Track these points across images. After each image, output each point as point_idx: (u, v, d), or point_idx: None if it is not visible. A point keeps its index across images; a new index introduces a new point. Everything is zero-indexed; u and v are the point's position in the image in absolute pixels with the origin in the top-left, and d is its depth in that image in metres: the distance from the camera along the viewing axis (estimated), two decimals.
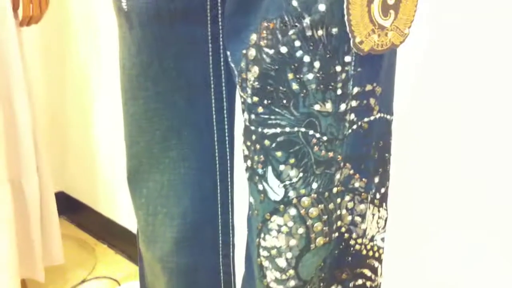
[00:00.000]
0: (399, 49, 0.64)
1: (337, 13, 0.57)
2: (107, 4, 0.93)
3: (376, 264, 0.73)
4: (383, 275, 0.75)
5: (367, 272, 0.73)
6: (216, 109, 0.80)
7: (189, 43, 0.75)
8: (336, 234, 0.68)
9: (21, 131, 1.39)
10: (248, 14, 0.62)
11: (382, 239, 0.73)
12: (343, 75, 0.61)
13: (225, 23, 0.68)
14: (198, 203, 0.85)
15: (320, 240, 0.66)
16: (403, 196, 1.01)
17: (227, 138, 0.82)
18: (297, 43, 0.59)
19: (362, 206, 0.68)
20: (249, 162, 0.67)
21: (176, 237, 0.86)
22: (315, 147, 0.63)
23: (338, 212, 0.67)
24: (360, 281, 0.72)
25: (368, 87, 0.64)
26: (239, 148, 0.69)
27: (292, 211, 0.65)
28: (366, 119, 0.65)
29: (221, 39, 0.74)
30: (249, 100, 0.64)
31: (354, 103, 0.63)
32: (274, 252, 0.67)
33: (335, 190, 0.66)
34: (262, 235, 0.67)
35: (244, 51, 0.63)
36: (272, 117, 0.63)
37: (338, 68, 0.60)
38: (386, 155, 0.70)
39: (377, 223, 0.71)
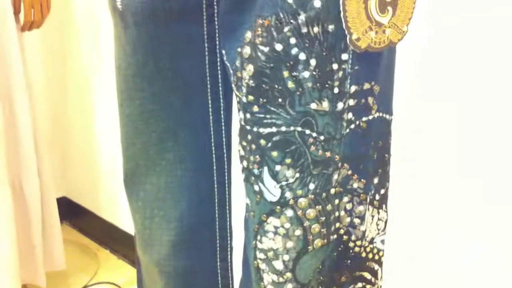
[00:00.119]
0: (397, 47, 0.63)
1: (333, 9, 0.57)
2: None
3: (376, 266, 0.72)
4: (383, 278, 0.74)
5: (367, 275, 0.71)
6: (213, 109, 0.79)
7: (185, 42, 0.74)
8: (335, 236, 0.66)
9: (21, 131, 1.39)
10: (243, 12, 0.61)
11: (382, 241, 0.71)
12: (340, 73, 0.60)
13: (220, 21, 0.68)
14: (195, 206, 0.84)
15: (318, 242, 0.65)
16: (403, 196, 1.01)
17: (224, 138, 0.81)
18: (293, 40, 0.58)
19: (361, 208, 0.67)
20: (245, 163, 0.66)
21: (173, 240, 0.85)
22: (312, 146, 0.62)
23: (336, 213, 0.65)
24: (360, 284, 0.71)
25: (366, 86, 0.62)
26: (236, 149, 0.68)
27: (289, 212, 0.64)
28: (364, 118, 0.64)
29: (217, 38, 0.73)
30: (244, 99, 0.63)
31: (351, 102, 0.62)
32: (271, 254, 0.66)
33: (333, 191, 0.64)
34: (259, 237, 0.66)
35: (239, 49, 0.62)
36: (268, 116, 0.62)
37: (335, 66, 0.59)
38: (386, 155, 0.69)
39: (377, 225, 0.70)
